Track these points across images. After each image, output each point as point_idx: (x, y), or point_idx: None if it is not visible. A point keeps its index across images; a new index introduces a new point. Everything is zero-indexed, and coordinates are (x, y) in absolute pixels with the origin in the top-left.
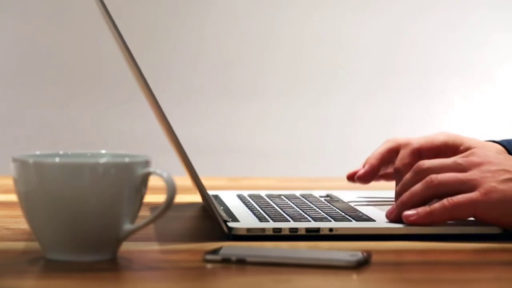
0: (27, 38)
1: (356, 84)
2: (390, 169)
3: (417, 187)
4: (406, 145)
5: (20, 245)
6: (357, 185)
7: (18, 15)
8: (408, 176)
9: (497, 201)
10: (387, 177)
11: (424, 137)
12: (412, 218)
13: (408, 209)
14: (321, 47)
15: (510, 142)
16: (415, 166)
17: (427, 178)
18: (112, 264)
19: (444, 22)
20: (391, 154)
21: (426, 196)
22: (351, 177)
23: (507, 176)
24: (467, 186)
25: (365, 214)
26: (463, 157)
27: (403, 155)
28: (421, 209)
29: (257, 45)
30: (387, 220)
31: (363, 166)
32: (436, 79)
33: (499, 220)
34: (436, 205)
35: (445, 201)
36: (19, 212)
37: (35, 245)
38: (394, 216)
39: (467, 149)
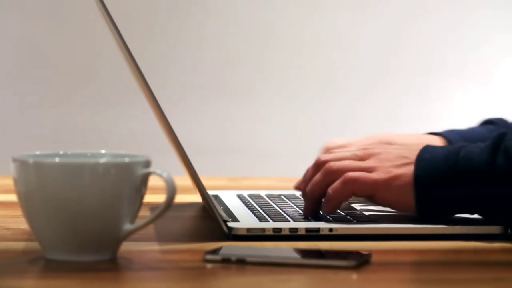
0: (27, 38)
1: (355, 84)
2: None
3: (317, 176)
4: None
5: (20, 245)
6: None
7: (18, 16)
8: (309, 170)
9: (395, 182)
10: None
11: (357, 146)
12: (325, 209)
13: (314, 199)
14: (320, 47)
15: (452, 132)
16: (315, 161)
17: (326, 166)
18: (112, 264)
19: (443, 22)
20: None
21: (326, 183)
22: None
23: (404, 161)
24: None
25: (365, 214)
26: (361, 149)
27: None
28: (326, 196)
29: (257, 45)
30: (304, 218)
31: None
32: (435, 79)
33: (398, 202)
34: (335, 183)
35: (343, 176)
36: (19, 212)
37: (35, 245)
38: (308, 211)
39: None
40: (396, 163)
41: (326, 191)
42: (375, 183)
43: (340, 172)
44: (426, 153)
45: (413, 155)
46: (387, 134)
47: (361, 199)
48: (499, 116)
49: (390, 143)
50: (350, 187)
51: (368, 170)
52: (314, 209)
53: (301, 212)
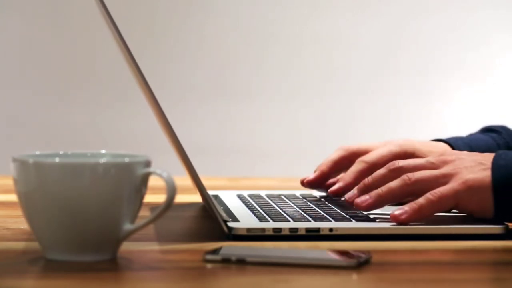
0: (27, 38)
1: (355, 84)
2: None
3: (395, 183)
4: (358, 155)
5: (20, 245)
6: None
7: (18, 16)
8: (381, 171)
9: (477, 189)
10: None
11: (374, 151)
12: (403, 217)
13: (383, 203)
14: (320, 47)
15: (457, 140)
16: (388, 164)
17: (404, 176)
18: (112, 264)
19: (443, 22)
20: (343, 162)
21: (402, 193)
22: (302, 182)
23: (481, 167)
24: (443, 181)
25: (365, 214)
26: (434, 156)
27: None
28: (408, 207)
29: (257, 45)
30: (346, 200)
31: (314, 172)
32: (435, 79)
33: (479, 207)
34: (421, 200)
35: (428, 195)
36: (19, 212)
37: (35, 245)
38: (370, 208)
39: (420, 156)
40: (473, 169)
41: (397, 199)
42: (457, 194)
43: (418, 183)
44: (501, 159)
45: (488, 162)
46: (407, 139)
47: None
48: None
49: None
50: (435, 206)
51: (446, 177)
52: (376, 208)
53: (301, 212)
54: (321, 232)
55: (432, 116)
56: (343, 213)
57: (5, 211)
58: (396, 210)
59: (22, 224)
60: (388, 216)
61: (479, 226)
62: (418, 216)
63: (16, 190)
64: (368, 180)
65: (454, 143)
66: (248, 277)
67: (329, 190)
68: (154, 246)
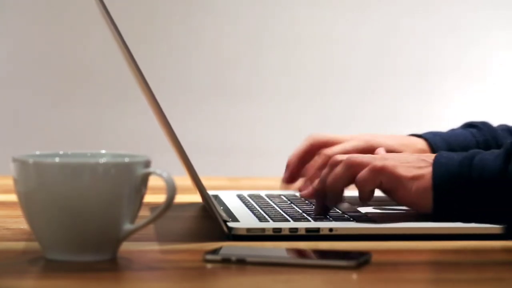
0: (27, 38)
1: (355, 84)
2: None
3: (338, 169)
4: (325, 147)
5: (20, 245)
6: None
7: (18, 16)
8: (317, 170)
9: (416, 183)
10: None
11: (344, 139)
12: (360, 198)
13: (337, 191)
14: (320, 47)
15: (435, 135)
16: (329, 160)
17: (346, 160)
18: (112, 264)
19: (442, 22)
20: (310, 153)
21: (349, 175)
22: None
23: (422, 164)
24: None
25: (365, 214)
26: (377, 156)
27: (315, 162)
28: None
29: (257, 45)
30: (301, 197)
31: (285, 169)
32: (435, 79)
33: (416, 202)
34: (362, 172)
35: (370, 165)
36: (19, 212)
37: (35, 245)
38: (332, 203)
39: (389, 151)
40: (415, 165)
41: (346, 184)
42: (400, 178)
43: (363, 165)
44: (442, 157)
45: (430, 159)
46: (372, 133)
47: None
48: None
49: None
50: (378, 175)
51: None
52: (336, 202)
53: (301, 212)
54: (321, 232)
55: (432, 116)
56: (343, 213)
57: (5, 211)
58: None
59: (22, 224)
60: (389, 216)
61: (479, 226)
62: (364, 187)
63: (16, 190)
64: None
65: (432, 138)
66: (248, 277)
67: (300, 194)
68: (154, 246)
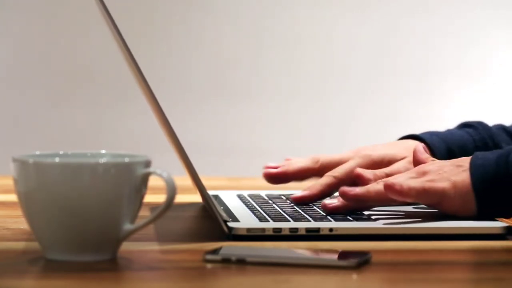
0: (27, 38)
1: (355, 84)
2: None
3: (373, 186)
4: (328, 169)
5: (20, 245)
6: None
7: (18, 16)
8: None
9: (458, 190)
10: None
11: (346, 159)
12: (396, 187)
13: (363, 204)
14: (320, 47)
15: (432, 135)
16: (375, 177)
17: (386, 183)
18: (112, 264)
19: (441, 22)
20: (309, 172)
21: (387, 200)
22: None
23: (459, 169)
24: None
25: (365, 214)
26: (412, 170)
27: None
28: (403, 186)
29: (257, 45)
30: (327, 210)
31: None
32: (434, 79)
33: (462, 207)
34: (416, 183)
35: (422, 182)
36: (19, 212)
37: (35, 245)
38: (346, 210)
39: (387, 164)
40: (453, 172)
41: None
42: (443, 192)
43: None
44: (478, 159)
45: (465, 163)
46: (370, 146)
47: None
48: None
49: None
50: (423, 194)
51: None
52: (348, 210)
53: (301, 212)
54: (321, 232)
55: (432, 116)
56: (343, 213)
57: (5, 211)
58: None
59: (22, 224)
60: (389, 216)
61: (479, 226)
62: (408, 197)
63: (16, 190)
64: (350, 192)
65: (429, 139)
66: (248, 277)
67: (292, 196)
68: (154, 246)
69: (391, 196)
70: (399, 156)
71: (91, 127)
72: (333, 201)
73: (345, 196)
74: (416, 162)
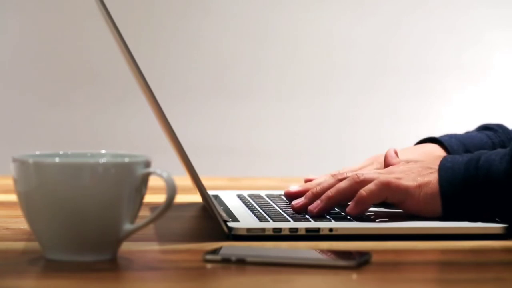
0: (27, 38)
1: (354, 84)
2: None
3: (343, 183)
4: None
5: (20, 245)
6: None
7: (18, 16)
8: (329, 180)
9: (423, 190)
10: None
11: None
12: (351, 206)
13: (334, 203)
14: (319, 47)
15: (451, 137)
16: (335, 173)
17: (353, 175)
18: (112, 264)
19: (440, 21)
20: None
21: (352, 192)
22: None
23: (428, 171)
24: None
25: (365, 214)
26: (382, 170)
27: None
28: (356, 196)
29: (257, 45)
30: (293, 206)
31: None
32: (433, 78)
33: (425, 209)
34: (369, 185)
35: (377, 180)
36: (19, 212)
37: (35, 245)
38: (322, 212)
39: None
40: (420, 173)
41: (347, 198)
42: (407, 189)
43: (368, 180)
44: (447, 162)
45: (435, 165)
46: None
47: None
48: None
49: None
50: (384, 191)
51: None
52: (328, 211)
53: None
54: (321, 232)
55: (430, 116)
56: (343, 213)
57: (5, 211)
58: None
59: (22, 224)
60: (389, 216)
61: (479, 226)
62: (367, 200)
63: (16, 190)
64: (316, 188)
65: (448, 141)
66: (248, 277)
67: (294, 205)
68: (154, 246)
69: (351, 184)
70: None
71: (91, 127)
72: (317, 202)
73: (312, 213)
74: (387, 166)
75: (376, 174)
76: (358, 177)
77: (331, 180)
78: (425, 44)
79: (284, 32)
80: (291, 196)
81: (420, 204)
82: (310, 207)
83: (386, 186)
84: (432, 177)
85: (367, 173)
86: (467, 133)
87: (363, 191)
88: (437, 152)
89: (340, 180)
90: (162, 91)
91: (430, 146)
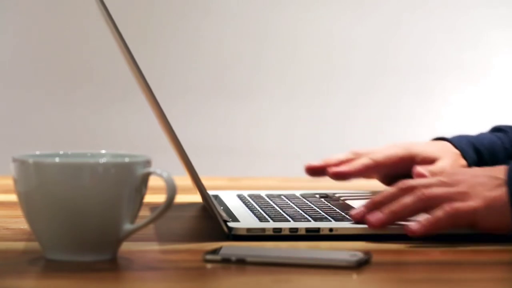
0: (27, 38)
1: (354, 84)
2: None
3: (408, 199)
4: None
5: (20, 245)
6: (357, 184)
7: (17, 16)
8: (391, 190)
9: (493, 208)
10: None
11: (381, 151)
12: (417, 229)
13: (397, 219)
14: (318, 47)
15: (461, 138)
16: (400, 184)
17: (418, 192)
18: (112, 264)
19: (440, 21)
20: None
21: (416, 209)
22: (307, 168)
23: (496, 182)
24: (459, 199)
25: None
26: (446, 176)
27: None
28: (424, 220)
29: (257, 45)
30: (352, 216)
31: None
32: (433, 78)
33: (498, 225)
34: (439, 212)
35: (447, 208)
36: (19, 212)
37: (35, 245)
38: (383, 225)
39: (423, 159)
40: (488, 186)
41: (411, 215)
42: (475, 212)
43: (434, 199)
44: None
45: (501, 174)
46: (409, 142)
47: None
48: (509, 123)
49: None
50: (452, 219)
51: (462, 195)
52: (387, 225)
53: (301, 212)
54: (321, 232)
55: (430, 116)
56: (343, 213)
57: (5, 211)
58: (412, 223)
59: (22, 224)
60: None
61: None
62: (434, 229)
63: (16, 190)
64: (377, 197)
65: (457, 142)
66: (248, 277)
67: (332, 171)
68: (154, 246)
69: (420, 204)
70: (437, 156)
71: (91, 127)
72: (378, 214)
73: (370, 225)
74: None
75: (441, 188)
76: (424, 195)
77: (393, 190)
78: (425, 44)
79: (284, 32)
80: (311, 170)
81: (493, 222)
82: (371, 219)
83: (454, 215)
84: (500, 192)
85: (432, 182)
86: (479, 134)
87: (432, 219)
88: (454, 149)
89: (404, 190)
90: (162, 91)
91: (447, 143)
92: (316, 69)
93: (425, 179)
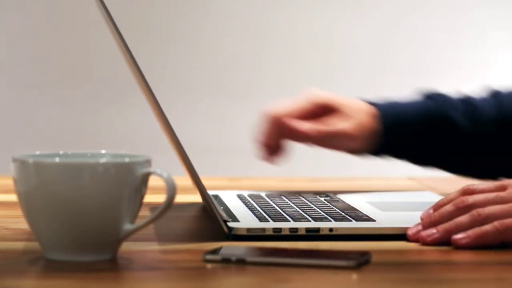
0: (27, 38)
1: (354, 84)
2: None
3: (463, 219)
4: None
5: (20, 245)
6: (357, 185)
7: (17, 15)
8: (448, 208)
9: None
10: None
11: (345, 101)
12: (463, 241)
13: (450, 236)
14: (319, 47)
15: (389, 106)
16: (457, 201)
17: (474, 212)
18: (112, 264)
19: (440, 21)
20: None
21: (471, 227)
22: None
23: None
24: None
25: (365, 214)
26: (503, 189)
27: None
28: (471, 232)
29: (258, 45)
30: (409, 236)
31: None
32: (432, 78)
33: None
34: (488, 226)
35: (496, 223)
36: (19, 212)
37: (35, 245)
38: (433, 239)
39: (341, 114)
40: None
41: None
42: None
43: (489, 220)
44: None
45: None
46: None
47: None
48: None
49: None
50: (500, 235)
51: None
52: (441, 243)
53: (301, 212)
54: (321, 232)
55: None
56: (343, 213)
57: (5, 211)
58: (459, 236)
59: (22, 224)
60: (389, 216)
61: None
62: (480, 243)
63: (16, 190)
64: (434, 216)
65: (381, 108)
66: (248, 277)
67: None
68: (154, 246)
69: (499, 235)
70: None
71: (91, 127)
72: (432, 231)
73: (424, 241)
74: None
75: (498, 206)
76: (480, 216)
77: (450, 208)
78: (425, 44)
79: (284, 32)
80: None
81: None
82: (424, 235)
83: (502, 232)
84: None
85: (489, 198)
86: (407, 102)
87: (479, 233)
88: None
89: (460, 209)
90: (162, 91)
91: (371, 107)
92: (316, 69)
93: (482, 195)
